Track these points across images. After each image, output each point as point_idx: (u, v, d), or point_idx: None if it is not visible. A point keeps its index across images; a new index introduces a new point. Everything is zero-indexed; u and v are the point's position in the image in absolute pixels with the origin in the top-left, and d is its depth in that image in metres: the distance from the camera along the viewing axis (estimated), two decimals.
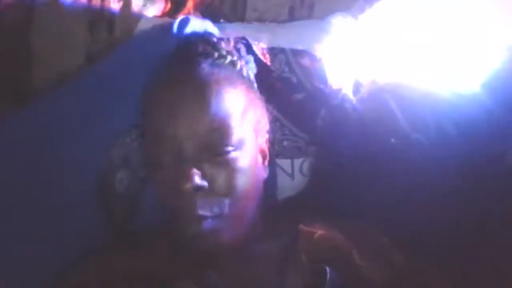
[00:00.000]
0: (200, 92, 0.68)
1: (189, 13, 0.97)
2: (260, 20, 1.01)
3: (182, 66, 0.72)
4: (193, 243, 0.67)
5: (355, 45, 0.93)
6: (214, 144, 0.67)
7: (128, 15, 0.90)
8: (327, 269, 0.64)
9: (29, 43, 0.86)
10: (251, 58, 0.83)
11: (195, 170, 0.65)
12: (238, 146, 0.68)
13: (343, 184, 0.83)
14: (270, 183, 0.81)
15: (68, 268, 0.73)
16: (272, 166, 0.85)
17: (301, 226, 0.72)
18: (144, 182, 0.81)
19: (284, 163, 0.89)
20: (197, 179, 0.65)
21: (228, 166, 0.67)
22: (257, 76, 0.82)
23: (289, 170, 0.89)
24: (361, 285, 0.66)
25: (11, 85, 0.86)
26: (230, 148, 0.67)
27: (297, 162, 0.89)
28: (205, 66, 0.71)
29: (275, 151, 0.88)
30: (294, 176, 0.89)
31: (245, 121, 0.70)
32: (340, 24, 0.95)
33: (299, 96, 0.88)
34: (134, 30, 0.90)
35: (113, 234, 0.80)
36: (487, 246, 0.74)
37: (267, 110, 0.80)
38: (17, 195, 0.78)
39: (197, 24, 0.84)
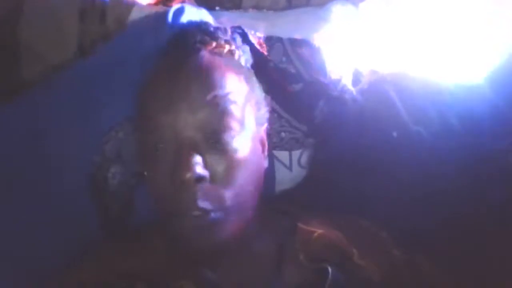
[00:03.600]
0: (201, 77, 0.67)
1: (183, 1, 0.95)
2: (257, 7, 0.99)
3: (181, 54, 0.71)
4: (192, 238, 0.65)
5: (355, 34, 0.91)
6: (215, 131, 0.65)
7: (120, 4, 0.88)
8: (329, 268, 0.64)
9: (17, 33, 0.83)
10: (247, 48, 0.81)
11: (196, 159, 0.63)
12: (240, 132, 0.67)
13: (341, 176, 0.82)
14: (268, 175, 0.79)
15: (63, 266, 0.72)
16: (269, 157, 0.83)
17: (300, 225, 0.71)
18: (137, 177, 0.80)
19: (282, 155, 0.88)
20: (199, 169, 0.63)
21: (230, 155, 0.65)
22: (253, 66, 0.80)
23: (287, 162, 0.88)
24: (361, 283, 0.66)
25: (1, 78, 0.84)
26: (232, 133, 0.66)
27: (295, 154, 0.88)
28: (205, 54, 0.70)
29: (273, 142, 0.86)
30: (292, 168, 0.88)
31: (246, 108, 0.69)
32: (339, 12, 0.93)
33: (297, 86, 0.87)
34: (127, 19, 0.88)
35: (109, 231, 0.79)
36: (488, 241, 0.73)
37: (265, 100, 0.78)
38: (7, 192, 0.77)
39: (192, 13, 0.82)
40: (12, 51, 0.84)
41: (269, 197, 0.82)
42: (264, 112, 0.75)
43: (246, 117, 0.69)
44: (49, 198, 0.77)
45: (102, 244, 0.76)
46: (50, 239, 0.76)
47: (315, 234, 0.70)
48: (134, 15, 0.89)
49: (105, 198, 0.79)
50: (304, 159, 0.87)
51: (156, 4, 0.95)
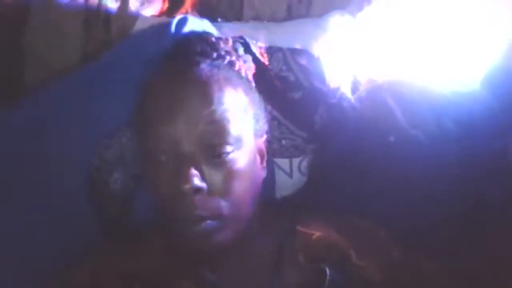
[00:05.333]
0: (200, 89, 0.68)
1: (186, 12, 0.97)
2: (258, 18, 1.01)
3: (181, 66, 0.72)
4: (191, 243, 0.67)
5: (353, 43, 0.93)
6: (213, 144, 0.66)
7: (125, 14, 0.89)
8: (327, 269, 0.65)
9: (22, 39, 0.85)
10: (249, 57, 0.83)
11: (194, 171, 0.65)
12: (237, 146, 0.68)
13: (341, 181, 0.83)
14: (268, 182, 0.81)
15: (63, 266, 0.72)
16: (270, 165, 0.84)
17: (299, 227, 0.72)
18: (138, 180, 0.81)
19: (283, 162, 0.89)
20: (197, 181, 0.65)
21: (227, 167, 0.67)
22: (255, 75, 0.81)
23: (287, 168, 0.89)
24: (360, 284, 0.66)
25: (4, 83, 0.86)
26: (228, 148, 0.67)
27: (296, 160, 0.89)
28: (204, 67, 0.71)
29: (273, 150, 0.87)
30: (292, 175, 0.89)
31: (244, 120, 0.70)
32: (338, 22, 0.95)
33: (297, 94, 0.88)
34: (131, 30, 0.90)
35: (108, 231, 0.80)
36: (486, 242, 0.74)
37: (265, 109, 0.79)
38: (7, 192, 0.77)
39: (195, 24, 0.84)
40: (16, 56, 0.86)
41: (270, 203, 0.82)
42: (263, 123, 0.76)
43: (244, 131, 0.70)
44: (49, 199, 0.78)
45: (101, 244, 0.77)
46: (50, 239, 0.76)
47: (315, 235, 0.71)
48: (139, 25, 0.91)
49: (105, 201, 0.80)
50: (304, 166, 0.88)
51: (159, 15, 0.97)
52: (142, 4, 0.94)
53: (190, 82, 0.69)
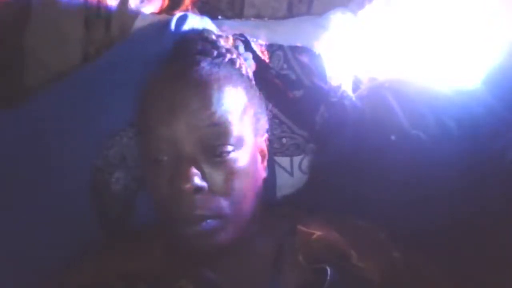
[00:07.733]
0: (200, 90, 0.68)
1: (186, 10, 0.97)
2: (258, 16, 1.01)
3: (181, 65, 0.72)
4: (191, 243, 0.67)
5: (354, 41, 0.93)
6: (213, 143, 0.66)
7: (125, 13, 0.90)
8: (328, 269, 0.65)
9: (23, 41, 0.85)
10: (249, 55, 0.83)
11: (194, 171, 0.65)
12: (237, 146, 0.68)
13: (342, 181, 0.83)
14: (269, 181, 0.80)
15: (63, 266, 0.73)
16: (271, 164, 0.85)
17: (299, 227, 0.72)
18: (140, 181, 0.81)
19: (283, 160, 0.89)
20: (197, 180, 0.65)
21: (227, 166, 0.67)
22: (255, 73, 0.81)
23: (288, 167, 0.89)
24: (360, 284, 0.66)
25: (4, 84, 0.86)
26: (229, 148, 0.67)
27: (296, 159, 0.89)
28: (205, 65, 0.71)
29: (274, 148, 0.87)
30: (293, 174, 0.89)
31: (244, 120, 0.70)
32: (339, 20, 0.95)
33: (298, 93, 0.88)
34: (131, 28, 0.90)
35: (109, 231, 0.80)
36: (487, 242, 0.74)
37: (266, 107, 0.79)
38: (7, 192, 0.78)
39: (195, 21, 0.84)
40: (17, 58, 0.86)
41: (270, 202, 0.83)
42: (264, 122, 0.76)
43: (244, 130, 0.69)
44: (49, 199, 0.78)
45: (102, 244, 0.77)
46: (50, 239, 0.77)
47: (315, 236, 0.71)
48: (139, 23, 0.91)
49: (106, 201, 0.81)
50: (305, 165, 0.88)
51: (159, 12, 0.97)
52: (142, 1, 0.94)
53: (190, 82, 0.69)
